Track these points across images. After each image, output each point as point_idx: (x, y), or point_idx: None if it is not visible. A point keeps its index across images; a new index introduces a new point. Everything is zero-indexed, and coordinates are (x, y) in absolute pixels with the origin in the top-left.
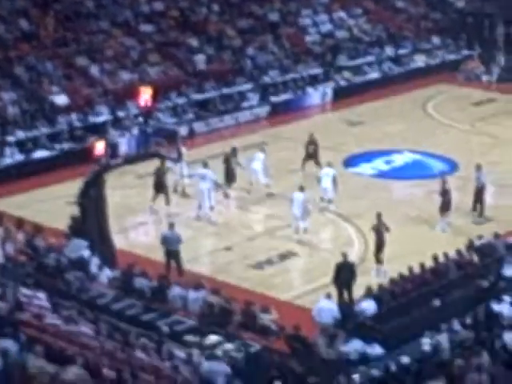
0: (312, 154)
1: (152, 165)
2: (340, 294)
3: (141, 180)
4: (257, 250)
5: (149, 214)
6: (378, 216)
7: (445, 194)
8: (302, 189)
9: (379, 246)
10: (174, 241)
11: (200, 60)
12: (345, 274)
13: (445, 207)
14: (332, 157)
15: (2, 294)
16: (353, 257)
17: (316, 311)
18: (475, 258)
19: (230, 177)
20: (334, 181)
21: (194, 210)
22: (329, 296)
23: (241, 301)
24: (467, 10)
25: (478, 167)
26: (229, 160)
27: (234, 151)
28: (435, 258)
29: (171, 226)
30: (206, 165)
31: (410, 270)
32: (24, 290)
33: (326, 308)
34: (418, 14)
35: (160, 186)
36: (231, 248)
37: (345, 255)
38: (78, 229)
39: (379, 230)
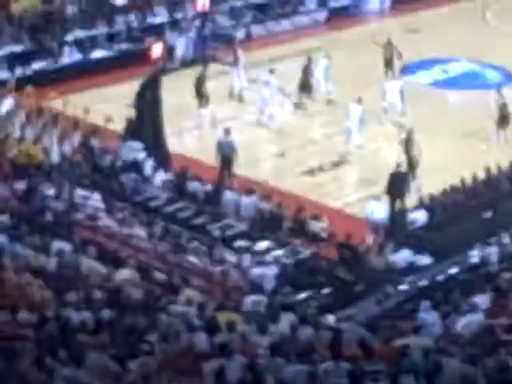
0: (389, 61)
1: (210, 68)
2: (392, 204)
3: None
4: (310, 156)
5: (202, 119)
6: (409, 131)
7: (501, 106)
8: (359, 100)
9: (410, 160)
10: (228, 147)
11: None
12: (398, 184)
13: (501, 120)
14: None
15: (57, 193)
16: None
17: (368, 210)
18: None
19: (304, 87)
20: (402, 93)
21: (250, 114)
22: (379, 199)
23: (292, 207)
24: None
25: None
26: (306, 70)
27: (310, 60)
28: (487, 170)
29: (227, 132)
30: (271, 71)
31: (462, 181)
32: (79, 191)
33: (378, 208)
34: None
35: (199, 93)
36: (284, 154)
37: (399, 165)
38: (133, 131)
39: (408, 144)
